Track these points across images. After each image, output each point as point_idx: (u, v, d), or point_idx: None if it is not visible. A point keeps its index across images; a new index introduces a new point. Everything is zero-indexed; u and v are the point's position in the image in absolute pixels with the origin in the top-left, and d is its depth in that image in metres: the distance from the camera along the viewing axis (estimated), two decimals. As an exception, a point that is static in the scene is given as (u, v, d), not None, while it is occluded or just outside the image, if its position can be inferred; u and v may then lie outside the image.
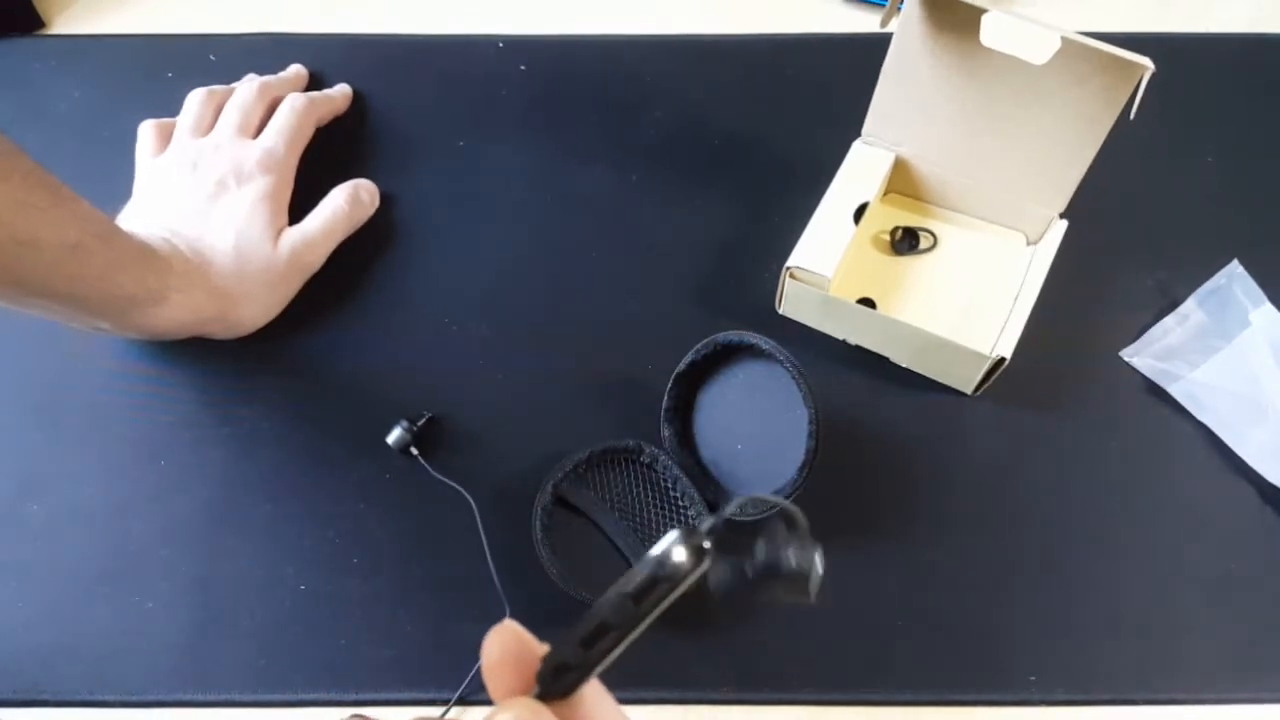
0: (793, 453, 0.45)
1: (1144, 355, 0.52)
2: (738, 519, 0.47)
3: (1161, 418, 0.51)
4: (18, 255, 0.40)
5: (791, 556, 0.20)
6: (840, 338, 0.53)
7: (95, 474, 0.50)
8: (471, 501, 0.48)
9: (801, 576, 0.20)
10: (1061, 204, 0.51)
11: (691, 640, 0.46)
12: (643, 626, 0.21)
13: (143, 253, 0.47)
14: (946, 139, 0.51)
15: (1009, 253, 0.54)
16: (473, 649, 0.46)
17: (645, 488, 0.50)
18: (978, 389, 0.50)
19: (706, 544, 0.21)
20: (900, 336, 0.50)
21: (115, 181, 0.55)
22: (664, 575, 0.21)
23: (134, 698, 0.46)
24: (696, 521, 0.20)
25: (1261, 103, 0.60)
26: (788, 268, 0.50)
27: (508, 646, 0.24)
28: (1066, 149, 0.48)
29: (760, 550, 0.20)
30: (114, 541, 0.49)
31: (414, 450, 0.49)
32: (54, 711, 0.46)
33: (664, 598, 0.21)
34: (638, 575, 0.21)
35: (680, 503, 0.49)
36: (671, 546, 0.21)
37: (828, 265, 0.49)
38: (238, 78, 0.58)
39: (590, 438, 0.49)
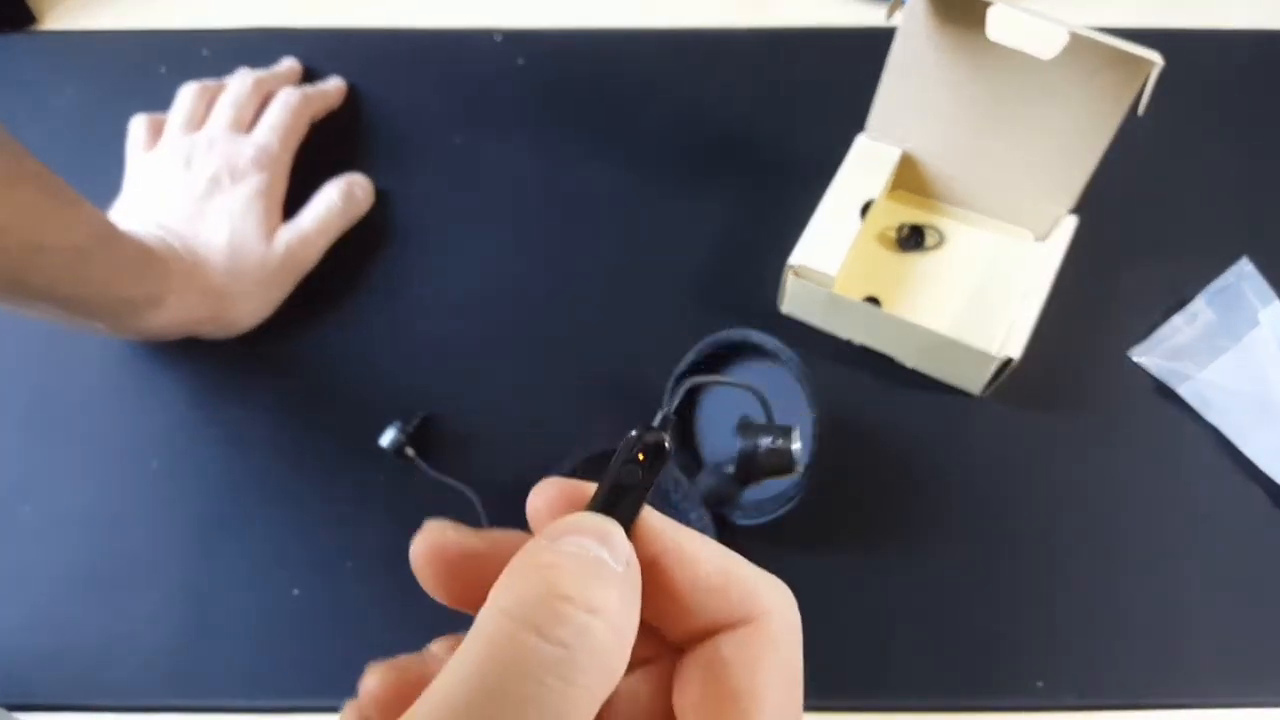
0: (796, 454, 0.45)
1: (1153, 355, 0.51)
2: (740, 521, 0.47)
3: (1170, 418, 0.50)
4: (26, 260, 0.40)
5: (769, 440, 0.21)
6: (844, 337, 0.52)
7: (87, 476, 0.50)
8: (475, 499, 0.48)
9: (783, 453, 0.21)
10: (1070, 201, 0.50)
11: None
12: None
13: (142, 255, 0.46)
14: (952, 135, 0.50)
15: (1017, 251, 0.53)
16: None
17: (645, 489, 0.49)
18: (985, 389, 0.50)
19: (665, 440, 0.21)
20: (906, 336, 0.49)
21: (107, 177, 0.54)
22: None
23: (126, 702, 0.46)
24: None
25: (1271, 100, 0.59)
26: (790, 265, 0.49)
27: (558, 496, 0.21)
28: (1075, 145, 0.47)
29: (739, 443, 0.21)
30: (106, 544, 0.48)
31: (409, 451, 0.49)
32: (46, 715, 0.45)
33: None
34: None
35: (680, 505, 0.48)
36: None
37: (832, 263, 0.48)
38: (230, 72, 0.58)
39: (590, 438, 0.48)
